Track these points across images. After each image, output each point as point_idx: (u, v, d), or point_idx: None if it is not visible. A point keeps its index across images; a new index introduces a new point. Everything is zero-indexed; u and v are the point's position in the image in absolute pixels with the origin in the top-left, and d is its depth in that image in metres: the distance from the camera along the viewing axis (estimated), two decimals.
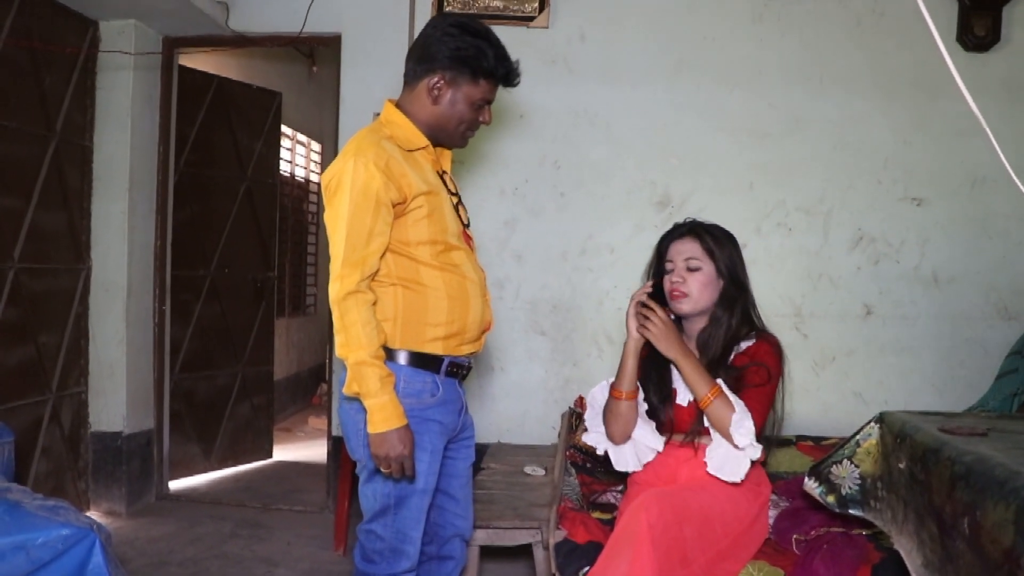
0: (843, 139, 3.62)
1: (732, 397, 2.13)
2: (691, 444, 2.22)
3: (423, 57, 2.00)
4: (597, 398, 2.36)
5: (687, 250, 2.26)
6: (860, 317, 3.62)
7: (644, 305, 2.20)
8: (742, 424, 2.10)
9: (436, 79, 1.98)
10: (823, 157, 3.63)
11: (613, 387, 2.27)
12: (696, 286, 2.24)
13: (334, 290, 1.86)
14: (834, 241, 3.63)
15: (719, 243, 2.26)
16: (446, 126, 2.03)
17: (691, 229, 2.29)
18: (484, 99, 2.03)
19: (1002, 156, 1.48)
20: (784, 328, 3.56)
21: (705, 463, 2.16)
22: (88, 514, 3.65)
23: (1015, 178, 1.48)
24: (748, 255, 3.55)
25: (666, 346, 2.18)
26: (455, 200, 2.10)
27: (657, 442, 2.24)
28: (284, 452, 5.09)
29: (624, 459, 2.28)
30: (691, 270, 2.25)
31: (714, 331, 2.23)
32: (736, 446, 2.10)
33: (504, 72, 2.03)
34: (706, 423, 2.17)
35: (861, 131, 3.62)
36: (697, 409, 2.20)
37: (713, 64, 3.65)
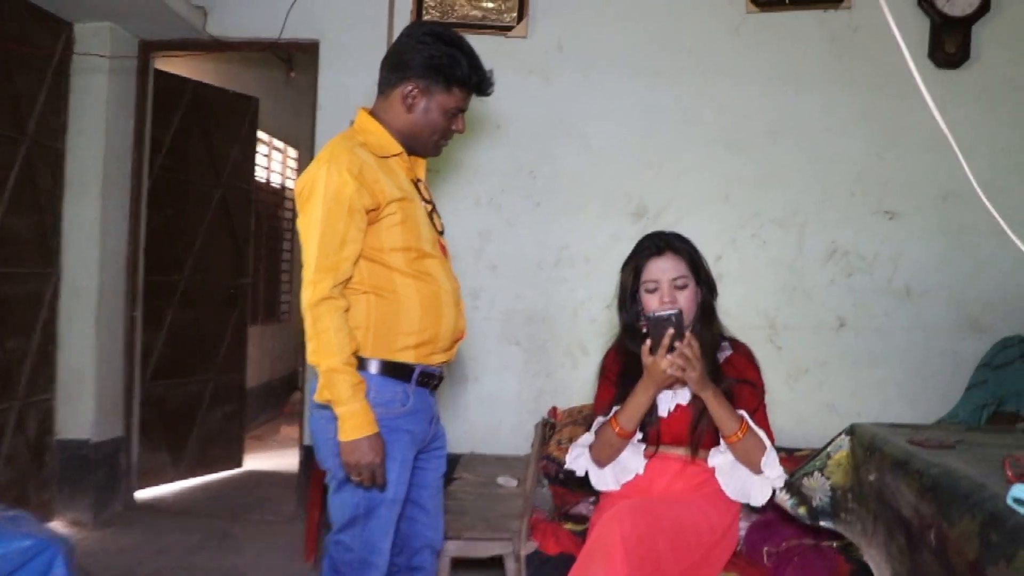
0: (818, 151, 3.66)
1: (754, 427, 2.12)
2: (687, 458, 2.21)
3: (397, 65, 2.02)
4: (587, 438, 2.31)
5: (671, 268, 2.21)
6: (834, 329, 3.65)
7: (678, 338, 2.08)
8: (770, 456, 2.10)
9: (410, 87, 2.00)
10: (798, 169, 3.66)
11: (618, 422, 2.20)
12: (686, 305, 2.19)
13: (306, 296, 1.86)
14: (808, 253, 3.66)
15: (697, 256, 2.25)
16: (420, 134, 2.04)
17: (669, 245, 2.24)
18: (458, 108, 2.05)
19: (968, 171, 1.50)
20: (759, 340, 3.56)
21: (705, 475, 2.17)
22: (53, 524, 3.60)
23: (981, 194, 1.50)
24: (723, 267, 3.68)
25: (703, 385, 2.11)
26: (429, 208, 2.10)
27: (639, 464, 2.23)
28: (255, 461, 5.03)
29: (604, 480, 2.27)
30: (679, 288, 2.20)
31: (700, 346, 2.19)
32: (763, 475, 2.11)
33: (477, 81, 2.04)
34: (724, 451, 2.15)
35: (836, 144, 3.66)
36: (688, 419, 2.19)
37: (690, 75, 3.68)
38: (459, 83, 2.01)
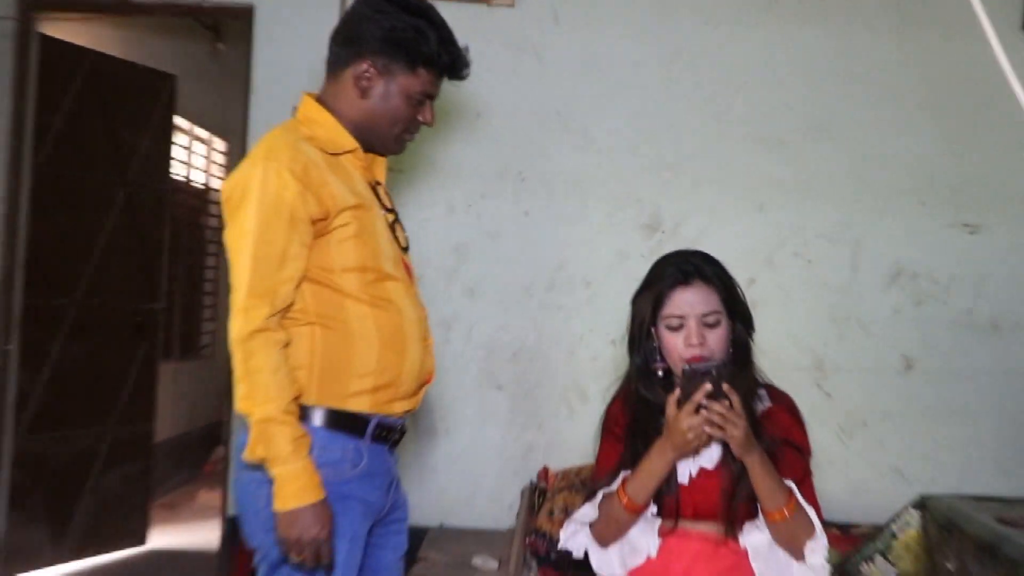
0: (877, 150, 3.75)
1: (803, 503, 2.11)
2: (716, 536, 2.19)
3: (349, 39, 2.06)
4: (587, 512, 2.31)
5: (701, 301, 2.16)
6: (898, 372, 3.71)
7: (713, 397, 2.05)
8: (818, 541, 2.08)
9: (364, 66, 2.04)
10: (851, 171, 3.74)
11: (627, 493, 2.16)
12: (718, 345, 2.15)
13: (236, 327, 1.87)
14: (865, 276, 3.73)
15: (732, 284, 2.22)
16: (377, 126, 2.08)
17: (698, 271, 2.20)
18: (424, 93, 2.08)
19: None
20: (803, 385, 3.63)
21: (735, 558, 2.17)
22: None
23: None
24: (757, 293, 3.74)
25: (747, 447, 2.07)
26: (391, 218, 2.13)
27: (652, 544, 2.22)
28: (164, 536, 5.01)
29: (608, 563, 2.26)
30: (709, 326, 2.17)
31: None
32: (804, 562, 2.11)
33: (449, 60, 2.08)
34: (760, 525, 2.15)
35: (900, 140, 3.74)
36: (716, 488, 2.18)
37: (717, 56, 3.76)
38: (426, 62, 2.04)
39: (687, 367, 2.07)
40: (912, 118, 3.73)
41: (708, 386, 2.02)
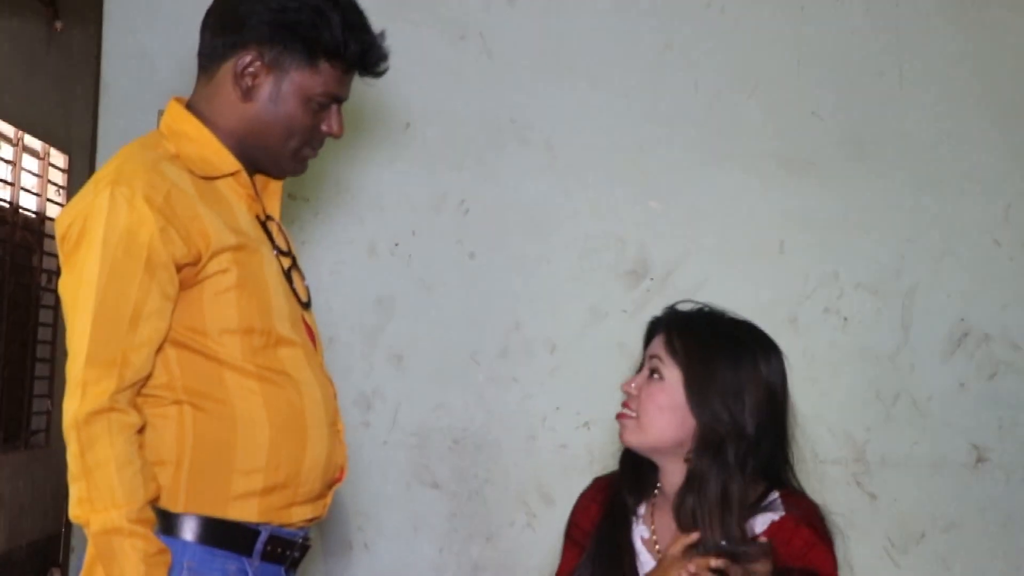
0: (936, 173, 3.91)
1: None
2: None
3: (226, 24, 2.16)
4: None
5: (655, 345, 2.41)
6: (967, 466, 3.86)
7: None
8: None
9: (248, 59, 2.13)
10: (902, 202, 3.91)
11: None
12: (647, 403, 2.35)
13: (71, 407, 1.92)
14: (921, 339, 3.88)
15: (698, 341, 2.37)
16: (266, 138, 2.19)
17: (668, 322, 2.44)
18: (327, 94, 2.19)
19: None
20: (837, 482, 3.74)
21: None
22: None
23: None
24: None
25: None
26: (287, 263, 2.25)
27: None
28: None
29: None
30: (651, 378, 2.38)
31: (698, 497, 2.29)
32: None
33: (359, 50, 2.19)
34: None
35: (965, 160, 3.92)
36: None
37: (721, 49, 3.94)
38: (328, 53, 2.15)
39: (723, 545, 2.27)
40: (984, 132, 3.90)
41: (720, 561, 2.21)
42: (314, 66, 2.14)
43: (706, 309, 2.45)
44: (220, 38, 2.16)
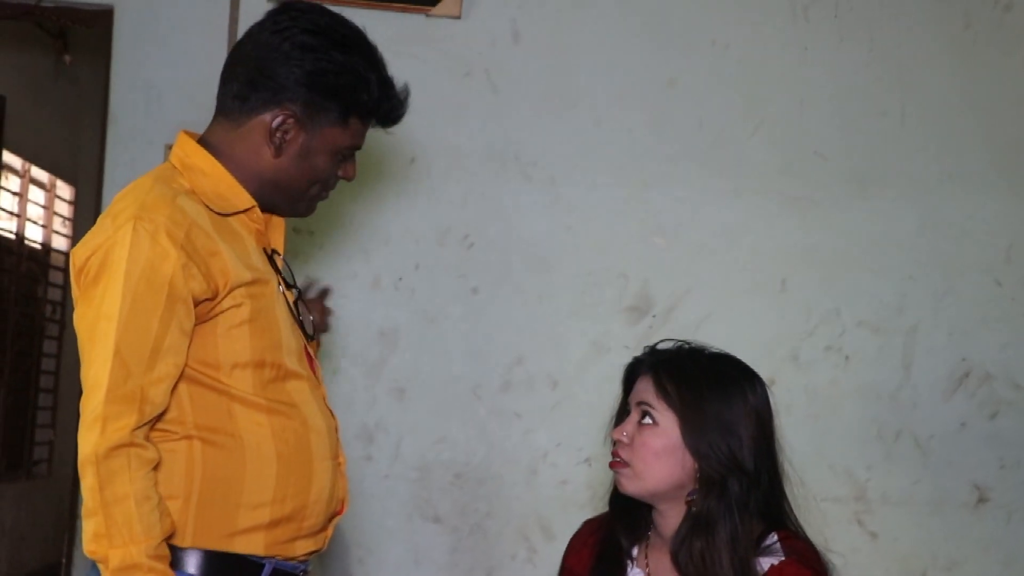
0: (938, 212, 3.96)
1: None
2: None
3: (261, 80, 2.17)
4: None
5: (642, 389, 2.37)
6: (968, 507, 3.88)
7: None
8: None
9: (283, 118, 2.16)
10: (905, 241, 3.95)
11: None
12: (643, 451, 2.33)
13: (90, 442, 1.92)
14: (923, 377, 3.91)
15: (689, 383, 2.36)
16: (291, 186, 2.24)
17: (657, 358, 2.42)
18: (353, 146, 2.26)
19: None
20: (839, 521, 3.76)
21: None
22: None
23: None
24: (778, 398, 3.43)
25: None
26: (293, 297, 2.28)
27: None
28: None
29: None
30: (643, 424, 2.35)
31: (699, 540, 2.29)
32: None
33: (388, 108, 2.26)
34: None
35: (968, 201, 3.96)
36: None
37: (725, 87, 3.98)
38: (362, 112, 2.21)
39: None
40: (985, 172, 3.95)
41: None
42: (345, 124, 2.19)
43: (686, 347, 2.44)
44: (253, 92, 2.17)
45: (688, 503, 2.33)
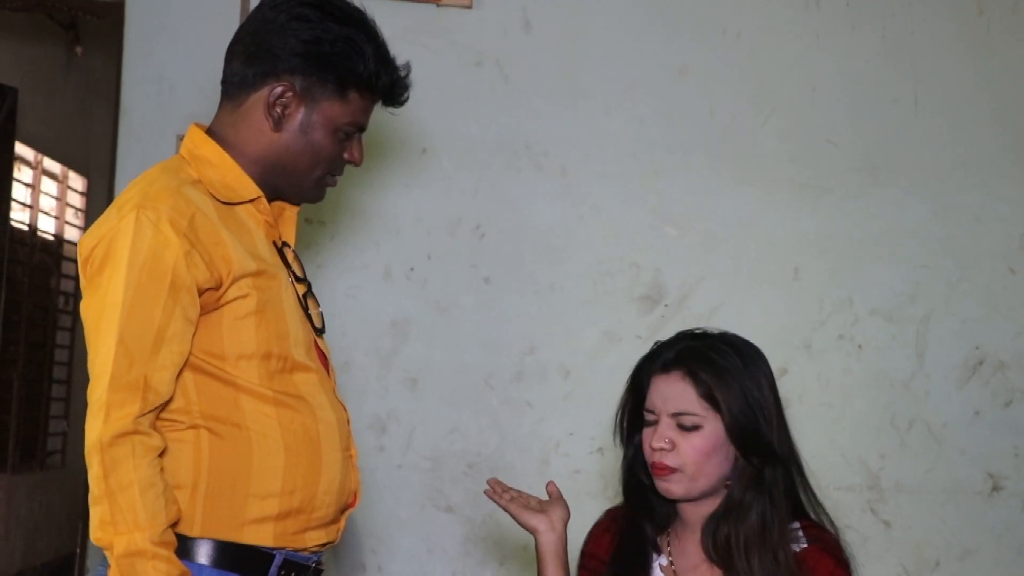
0: (951, 199, 3.97)
1: None
2: None
3: (257, 54, 2.16)
4: None
5: (675, 395, 2.31)
6: (982, 494, 3.89)
7: None
8: None
9: (280, 90, 2.15)
10: (917, 228, 3.96)
11: None
12: (693, 455, 2.29)
13: (95, 430, 1.92)
14: (936, 366, 3.92)
15: (727, 380, 2.33)
16: (293, 166, 2.21)
17: (681, 359, 2.35)
18: (355, 123, 2.23)
19: None
20: (852, 510, 3.75)
21: None
22: None
23: None
24: (790, 386, 3.68)
25: None
26: (302, 289, 2.27)
27: None
28: None
29: None
30: (684, 429, 2.30)
31: (736, 526, 2.29)
32: None
33: (388, 81, 2.22)
34: None
35: (980, 187, 3.97)
36: None
37: (737, 75, 4.00)
38: (360, 84, 2.17)
39: None
40: (998, 159, 3.96)
41: None
42: (344, 97, 2.17)
43: (701, 339, 2.40)
44: (250, 68, 2.17)
45: (727, 487, 2.32)
